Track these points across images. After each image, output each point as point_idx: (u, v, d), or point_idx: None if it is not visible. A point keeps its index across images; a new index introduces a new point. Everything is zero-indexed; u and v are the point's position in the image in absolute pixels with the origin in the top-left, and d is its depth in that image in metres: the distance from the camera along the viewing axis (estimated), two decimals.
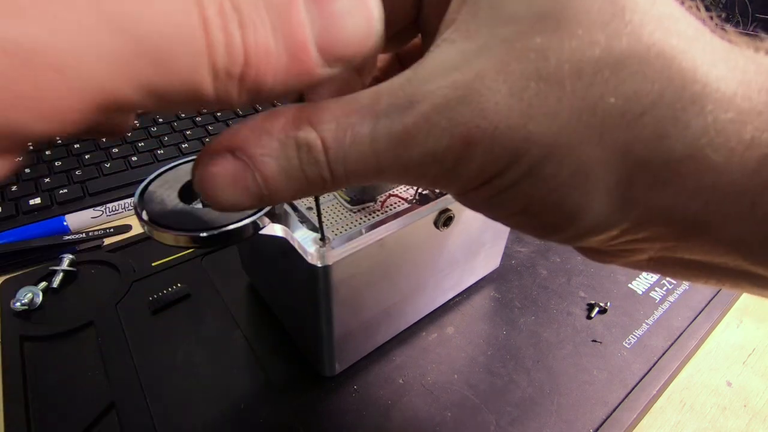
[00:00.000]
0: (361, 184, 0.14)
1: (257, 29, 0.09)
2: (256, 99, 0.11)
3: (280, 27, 0.10)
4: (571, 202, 0.12)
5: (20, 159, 0.08)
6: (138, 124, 0.55)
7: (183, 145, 0.52)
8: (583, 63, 0.11)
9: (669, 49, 0.10)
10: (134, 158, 0.49)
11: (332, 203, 0.25)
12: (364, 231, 0.23)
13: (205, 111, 0.58)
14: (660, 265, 0.15)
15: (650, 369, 0.31)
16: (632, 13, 0.11)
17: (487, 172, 0.12)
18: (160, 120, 0.56)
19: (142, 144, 0.51)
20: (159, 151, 0.50)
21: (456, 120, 0.11)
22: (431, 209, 0.25)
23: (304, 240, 0.22)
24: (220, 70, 0.09)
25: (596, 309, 0.35)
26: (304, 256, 0.22)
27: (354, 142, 0.12)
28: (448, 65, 0.11)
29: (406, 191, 0.26)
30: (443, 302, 0.35)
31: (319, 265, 0.22)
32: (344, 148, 0.12)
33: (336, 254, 0.22)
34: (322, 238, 0.22)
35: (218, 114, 0.58)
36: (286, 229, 0.22)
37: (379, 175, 0.13)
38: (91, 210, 0.43)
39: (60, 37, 0.07)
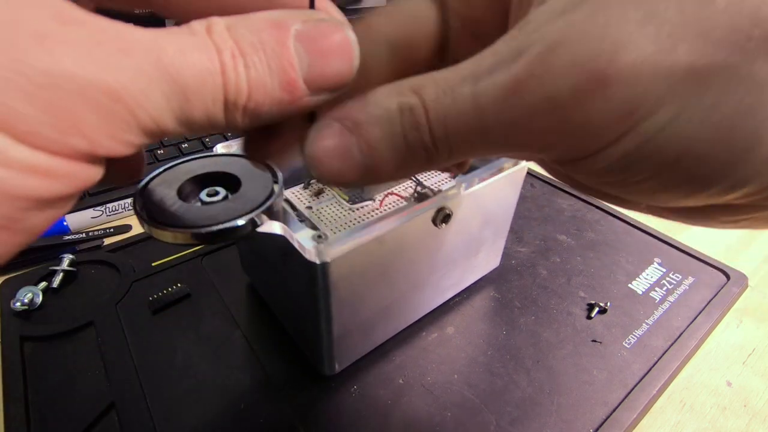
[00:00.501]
0: (464, 158, 0.14)
1: (257, 68, 0.11)
2: (255, 123, 0.12)
3: (275, 66, 0.11)
4: (742, 134, 0.10)
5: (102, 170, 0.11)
6: None
7: (183, 145, 0.52)
8: None
9: None
10: None
11: (331, 202, 0.26)
12: (362, 228, 0.23)
13: None
14: None
15: (650, 369, 0.31)
16: None
17: (627, 116, 0.10)
18: None
19: None
20: (159, 151, 0.50)
21: (579, 57, 0.10)
22: (429, 206, 0.25)
23: (302, 237, 0.22)
24: (229, 102, 0.11)
25: (596, 309, 0.35)
26: (303, 253, 0.22)
27: (455, 101, 0.12)
28: (558, 10, 0.10)
29: (405, 190, 0.27)
30: (443, 302, 0.35)
31: (318, 262, 0.22)
32: (444, 107, 0.12)
33: (334, 251, 0.22)
34: (321, 236, 0.22)
35: None
36: (285, 227, 0.23)
37: (483, 137, 0.12)
38: (91, 210, 0.43)
39: (135, 86, 0.10)
